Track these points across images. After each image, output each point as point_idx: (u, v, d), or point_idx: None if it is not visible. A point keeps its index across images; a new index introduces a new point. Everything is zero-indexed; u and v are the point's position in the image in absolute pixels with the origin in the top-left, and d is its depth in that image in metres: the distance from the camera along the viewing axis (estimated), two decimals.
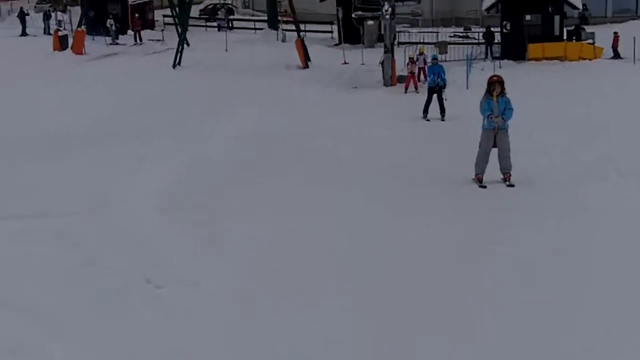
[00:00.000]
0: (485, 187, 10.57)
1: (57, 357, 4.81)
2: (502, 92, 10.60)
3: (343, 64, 29.27)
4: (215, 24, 42.97)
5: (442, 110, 18.07)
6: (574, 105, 18.76)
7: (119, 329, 5.21)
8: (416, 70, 23.78)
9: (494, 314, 6.06)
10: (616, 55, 29.37)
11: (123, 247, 6.64)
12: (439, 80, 18.32)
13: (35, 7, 44.75)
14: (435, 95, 18.19)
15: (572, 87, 22.98)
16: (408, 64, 24.39)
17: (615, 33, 29.82)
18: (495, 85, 10.55)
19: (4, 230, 6.41)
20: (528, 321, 5.91)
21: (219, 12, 44.84)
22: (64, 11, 39.45)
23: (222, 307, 5.72)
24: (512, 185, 10.60)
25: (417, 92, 22.23)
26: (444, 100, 18.12)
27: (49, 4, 38.11)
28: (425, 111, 18.20)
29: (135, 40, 34.97)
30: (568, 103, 19.31)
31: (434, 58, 20.00)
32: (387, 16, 25.69)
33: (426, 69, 23.11)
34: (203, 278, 6.19)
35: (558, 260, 7.28)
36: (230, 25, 42.11)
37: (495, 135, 10.62)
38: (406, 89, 23.43)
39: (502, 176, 10.75)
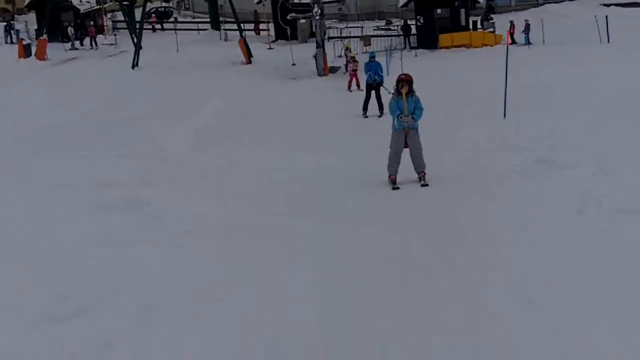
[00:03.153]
0: (398, 188, 10.61)
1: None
2: (411, 91, 10.76)
3: (292, 65, 32.89)
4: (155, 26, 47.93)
5: (380, 107, 18.79)
6: (480, 83, 22.42)
7: (211, 181, 11.34)
8: (357, 68, 24.57)
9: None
10: (513, 41, 35.94)
11: (189, 162, 12.58)
12: (376, 77, 19.39)
13: None
14: (373, 92, 19.30)
15: (476, 69, 28.42)
16: (350, 62, 26.26)
17: (511, 22, 36.43)
18: (403, 83, 10.73)
19: (116, 157, 12.22)
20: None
21: None
22: (11, 19, 43.88)
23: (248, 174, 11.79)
24: (427, 185, 10.60)
25: (362, 90, 22.07)
26: (381, 97, 18.70)
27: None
28: (365, 108, 19.24)
29: (91, 45, 39.99)
30: (474, 81, 23.60)
31: (372, 56, 20.68)
32: (317, 17, 31.21)
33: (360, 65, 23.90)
34: (236, 171, 12.37)
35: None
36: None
37: (405, 135, 10.79)
38: (349, 87, 24.95)
39: (417, 175, 10.81)
